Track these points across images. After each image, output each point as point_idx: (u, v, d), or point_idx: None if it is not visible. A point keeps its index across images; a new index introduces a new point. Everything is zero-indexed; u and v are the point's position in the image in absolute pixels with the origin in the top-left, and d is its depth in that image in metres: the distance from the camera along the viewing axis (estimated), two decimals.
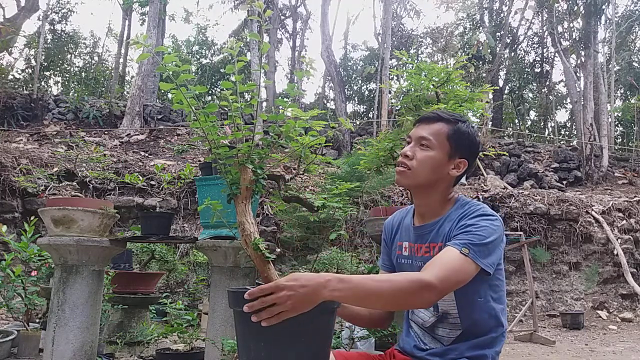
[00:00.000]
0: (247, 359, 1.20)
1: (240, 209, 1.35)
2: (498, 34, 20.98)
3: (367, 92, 24.01)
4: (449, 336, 1.44)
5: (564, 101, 24.79)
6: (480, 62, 20.08)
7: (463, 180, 10.61)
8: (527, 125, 25.08)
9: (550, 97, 22.88)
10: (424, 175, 1.44)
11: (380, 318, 1.57)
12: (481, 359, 1.41)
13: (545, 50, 22.50)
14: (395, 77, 17.61)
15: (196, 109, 1.35)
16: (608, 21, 18.42)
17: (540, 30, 22.15)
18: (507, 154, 12.70)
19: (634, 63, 21.48)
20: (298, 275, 1.13)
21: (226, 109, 1.40)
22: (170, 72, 1.34)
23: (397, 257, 1.58)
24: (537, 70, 22.96)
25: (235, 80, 1.36)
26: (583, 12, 16.69)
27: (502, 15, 21.81)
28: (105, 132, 12.35)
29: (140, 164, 8.67)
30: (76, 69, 21.88)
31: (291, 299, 1.10)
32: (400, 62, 19.44)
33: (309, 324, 1.16)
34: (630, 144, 18.64)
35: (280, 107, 1.44)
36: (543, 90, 23.57)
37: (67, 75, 21.43)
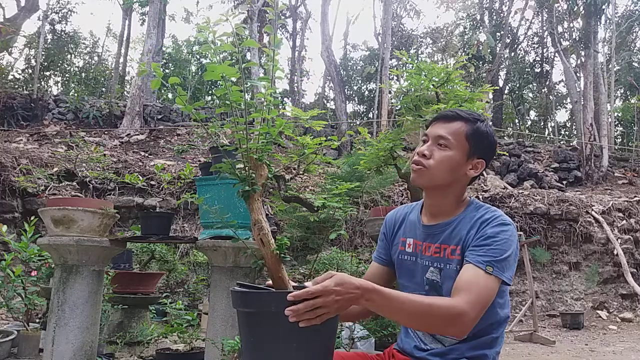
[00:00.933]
0: (252, 359, 1.19)
1: (256, 206, 1.34)
2: (498, 34, 20.99)
3: (367, 92, 24.02)
4: (452, 338, 1.42)
5: (564, 101, 24.80)
6: (480, 62, 20.09)
7: None
8: (527, 125, 25.09)
9: (550, 97, 22.89)
10: (441, 175, 1.41)
11: (360, 313, 1.58)
12: (482, 359, 1.40)
13: (545, 50, 22.52)
14: (395, 77, 17.62)
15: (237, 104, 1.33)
16: (608, 21, 18.42)
17: (540, 30, 22.16)
18: (507, 154, 12.71)
19: (634, 63, 21.48)
20: (341, 278, 1.14)
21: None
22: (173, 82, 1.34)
23: (399, 252, 1.55)
24: (537, 70, 22.97)
25: (260, 80, 1.35)
26: (583, 12, 16.68)
27: (502, 15, 21.82)
28: (105, 132, 12.35)
29: (140, 164, 8.67)
30: (76, 69, 21.89)
31: (338, 303, 1.12)
32: (400, 62, 19.46)
33: (316, 324, 1.15)
34: (630, 144, 18.64)
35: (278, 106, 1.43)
36: (543, 90, 23.58)
37: (67, 75, 21.44)
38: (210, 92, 22.03)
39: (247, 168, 1.36)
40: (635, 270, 8.86)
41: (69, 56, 21.56)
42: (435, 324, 1.26)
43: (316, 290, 1.10)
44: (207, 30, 1.29)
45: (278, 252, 1.29)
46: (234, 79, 1.32)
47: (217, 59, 1.31)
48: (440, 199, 1.46)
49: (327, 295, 1.11)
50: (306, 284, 1.17)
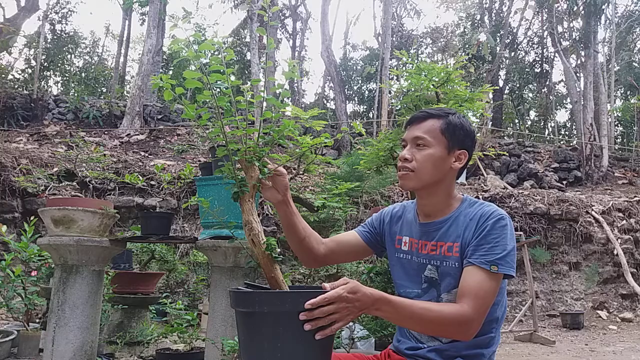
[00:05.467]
0: (249, 359, 1.19)
1: (247, 207, 1.35)
2: (498, 34, 20.99)
3: (367, 92, 24.02)
4: None
5: (564, 101, 24.80)
6: (480, 62, 20.08)
7: (463, 180, 10.60)
8: (527, 125, 25.09)
9: (550, 97, 22.89)
10: (427, 174, 1.42)
11: (314, 258, 1.55)
12: (478, 357, 1.41)
13: (545, 50, 22.52)
14: (395, 77, 17.62)
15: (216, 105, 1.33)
16: (608, 21, 18.43)
17: (540, 30, 22.17)
18: (507, 154, 12.71)
19: (634, 63, 21.47)
20: (356, 286, 1.16)
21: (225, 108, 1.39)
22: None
23: (396, 251, 1.56)
24: (537, 70, 22.97)
25: (253, 82, 1.35)
26: (583, 12, 16.69)
27: (502, 15, 21.83)
28: (105, 132, 12.35)
29: (140, 164, 8.66)
30: (76, 69, 21.88)
31: (348, 311, 1.14)
32: (400, 62, 19.46)
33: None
34: (630, 144, 18.63)
35: (275, 106, 1.43)
36: (543, 90, 23.58)
37: (67, 75, 21.43)
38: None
39: (232, 170, 1.36)
40: (635, 270, 8.86)
41: (69, 56, 21.56)
42: (444, 330, 1.32)
43: (330, 297, 1.12)
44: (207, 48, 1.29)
45: (269, 252, 1.29)
46: (225, 85, 1.32)
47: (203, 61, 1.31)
48: (432, 197, 1.47)
49: (339, 302, 1.13)
50: (325, 285, 1.18)
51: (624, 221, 9.31)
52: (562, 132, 24.50)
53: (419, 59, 20.65)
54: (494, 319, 1.42)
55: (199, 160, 9.84)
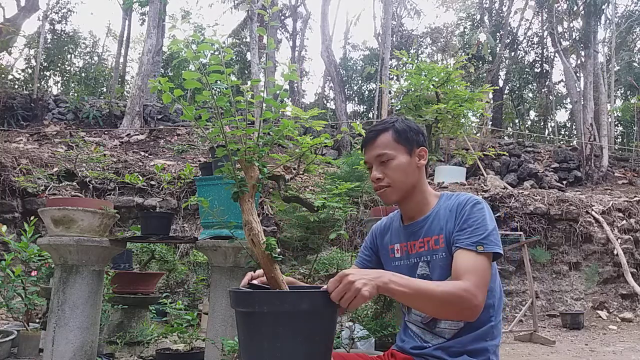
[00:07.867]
0: (249, 359, 1.19)
1: (247, 207, 1.35)
2: (498, 34, 20.99)
3: (367, 92, 24.02)
4: (450, 328, 1.45)
5: (564, 101, 24.80)
6: (480, 62, 20.08)
7: (463, 180, 10.59)
8: (527, 125, 25.10)
9: (550, 97, 22.90)
10: (403, 182, 1.51)
11: None
12: (482, 352, 1.42)
13: (545, 50, 22.53)
14: (395, 77, 17.63)
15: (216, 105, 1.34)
16: (608, 21, 18.43)
17: (540, 30, 22.18)
18: (507, 154, 12.70)
19: (634, 63, 21.48)
20: (349, 271, 1.19)
21: (225, 109, 1.39)
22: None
23: (390, 260, 1.60)
24: (537, 70, 22.98)
25: (253, 82, 1.35)
26: (583, 12, 16.70)
27: (502, 15, 21.83)
28: (105, 132, 12.35)
29: (140, 164, 8.66)
30: (76, 69, 21.89)
31: (364, 280, 1.15)
32: (400, 62, 19.47)
33: (312, 324, 1.16)
34: (630, 144, 18.63)
35: (274, 107, 1.43)
36: (543, 90, 23.59)
37: (67, 75, 21.43)
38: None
39: (232, 170, 1.36)
40: (635, 270, 8.86)
41: (69, 56, 21.57)
42: (450, 306, 1.29)
43: (338, 276, 1.16)
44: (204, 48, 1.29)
45: (269, 252, 1.29)
46: (224, 85, 1.32)
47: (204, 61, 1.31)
48: (412, 200, 1.55)
49: (344, 280, 1.14)
50: (325, 286, 1.20)
51: (624, 221, 9.31)
52: (562, 132, 24.52)
53: (419, 59, 20.64)
54: (490, 305, 1.45)
55: (199, 160, 9.84)
